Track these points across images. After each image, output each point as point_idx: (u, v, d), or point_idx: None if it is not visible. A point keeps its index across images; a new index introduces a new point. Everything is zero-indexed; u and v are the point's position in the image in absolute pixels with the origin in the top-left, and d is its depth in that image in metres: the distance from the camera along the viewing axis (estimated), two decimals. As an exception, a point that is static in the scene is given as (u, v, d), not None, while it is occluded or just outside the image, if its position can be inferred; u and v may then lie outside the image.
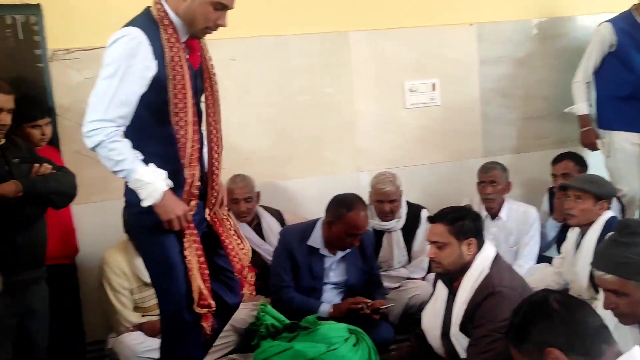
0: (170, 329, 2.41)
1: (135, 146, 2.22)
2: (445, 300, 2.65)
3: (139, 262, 3.11)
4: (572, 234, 3.26)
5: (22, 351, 2.75)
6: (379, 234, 3.75)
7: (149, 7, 2.35)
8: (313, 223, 3.33)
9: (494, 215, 3.82)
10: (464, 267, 2.54)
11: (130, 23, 2.25)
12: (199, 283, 2.29)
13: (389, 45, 4.15)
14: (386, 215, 3.74)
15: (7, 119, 2.61)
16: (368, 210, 3.77)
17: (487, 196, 3.77)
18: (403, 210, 3.79)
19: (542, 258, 3.84)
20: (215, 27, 2.34)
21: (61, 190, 2.75)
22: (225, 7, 2.31)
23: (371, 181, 3.83)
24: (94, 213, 3.68)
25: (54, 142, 3.55)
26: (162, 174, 2.22)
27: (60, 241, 3.36)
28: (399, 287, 3.65)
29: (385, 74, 4.17)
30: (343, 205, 3.18)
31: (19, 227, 2.62)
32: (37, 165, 2.74)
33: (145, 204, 2.19)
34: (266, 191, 3.87)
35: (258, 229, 3.76)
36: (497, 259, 2.58)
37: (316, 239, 3.26)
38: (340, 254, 3.29)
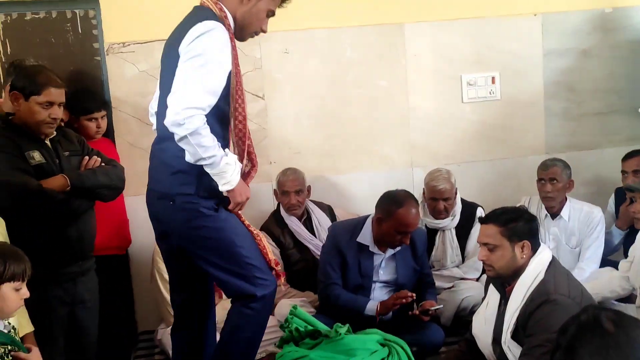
0: (242, 305, 2.47)
1: None
2: (497, 305, 2.52)
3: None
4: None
5: (74, 341, 2.79)
6: (432, 232, 3.64)
7: (205, 5, 2.40)
8: (363, 219, 3.26)
9: (554, 214, 3.64)
10: (518, 271, 2.41)
11: (209, 17, 2.33)
12: (266, 245, 2.53)
13: (447, 37, 4.01)
14: (440, 214, 3.62)
15: (59, 112, 2.64)
16: (421, 208, 3.67)
17: (547, 194, 3.59)
18: (457, 209, 3.67)
19: (607, 262, 3.63)
20: (259, 32, 2.52)
21: (109, 184, 2.77)
22: (273, 14, 2.50)
23: (425, 178, 3.72)
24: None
25: (109, 134, 3.62)
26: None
27: (113, 232, 3.43)
28: (451, 287, 3.55)
29: (442, 66, 4.04)
30: (394, 202, 3.09)
31: (67, 220, 2.65)
32: (86, 158, 2.78)
33: (224, 188, 2.36)
34: (317, 186, 3.83)
35: (308, 223, 3.73)
36: (554, 263, 2.43)
37: (366, 236, 3.18)
38: (390, 251, 3.20)
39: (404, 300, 3.04)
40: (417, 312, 3.07)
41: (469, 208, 3.68)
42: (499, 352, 2.47)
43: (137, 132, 3.71)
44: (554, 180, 3.56)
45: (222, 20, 2.35)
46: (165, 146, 2.44)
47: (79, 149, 2.80)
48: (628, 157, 3.73)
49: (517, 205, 3.69)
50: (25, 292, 2.06)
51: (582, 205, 3.65)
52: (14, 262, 1.99)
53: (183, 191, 2.39)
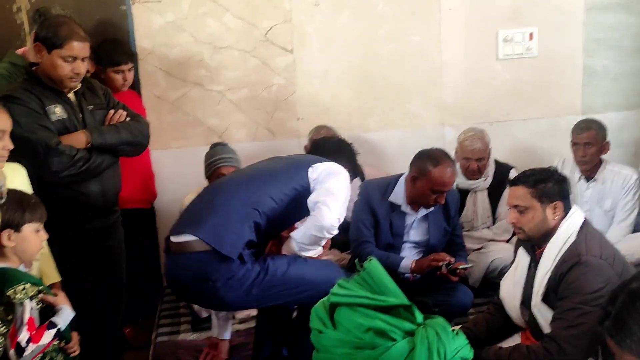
0: None
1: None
2: (527, 268, 2.45)
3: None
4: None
5: (106, 286, 2.82)
6: (464, 192, 3.56)
7: None
8: (396, 178, 3.17)
9: (589, 177, 3.53)
10: (549, 234, 2.33)
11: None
12: None
13: (483, -10, 3.85)
14: (473, 174, 3.54)
15: (82, 67, 2.57)
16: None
17: (581, 158, 3.48)
18: (490, 169, 3.58)
19: (640, 225, 3.55)
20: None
21: (132, 141, 2.73)
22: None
23: (458, 137, 3.62)
24: (173, 159, 3.70)
25: (135, 86, 3.57)
26: None
27: (138, 186, 3.42)
28: (480, 249, 3.49)
29: (477, 21, 3.89)
30: (429, 160, 3.00)
31: (91, 176, 2.62)
32: (111, 112, 2.73)
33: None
34: (346, 143, 3.75)
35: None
36: (586, 225, 2.34)
37: (398, 196, 3.11)
38: (422, 212, 3.12)
39: (440, 263, 2.99)
40: (446, 272, 3.02)
41: (502, 169, 3.58)
42: (528, 316, 2.41)
43: (164, 85, 3.65)
44: (588, 144, 3.45)
45: None
46: None
47: (104, 102, 2.75)
48: None
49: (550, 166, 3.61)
50: (44, 234, 2.13)
51: (619, 168, 3.55)
52: (30, 207, 2.08)
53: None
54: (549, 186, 2.32)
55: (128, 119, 2.76)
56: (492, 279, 3.34)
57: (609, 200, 3.53)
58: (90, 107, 2.68)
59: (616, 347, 1.45)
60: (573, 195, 3.48)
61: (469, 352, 1.37)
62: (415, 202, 3.08)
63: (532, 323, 2.40)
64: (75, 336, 2.19)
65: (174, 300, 3.51)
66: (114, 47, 3.36)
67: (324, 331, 1.40)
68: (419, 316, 1.41)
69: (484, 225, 3.58)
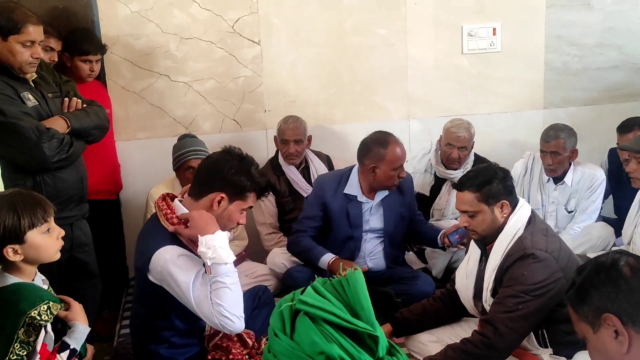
0: None
1: None
2: (478, 261, 2.51)
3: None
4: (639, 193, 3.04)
5: (82, 281, 2.79)
6: (440, 181, 3.65)
7: None
8: (349, 170, 3.21)
9: (558, 178, 3.54)
10: (499, 230, 2.39)
11: None
12: None
13: (448, -15, 3.90)
14: (453, 163, 3.60)
15: (40, 51, 2.54)
16: (433, 156, 3.69)
17: (548, 167, 3.49)
18: (470, 161, 3.65)
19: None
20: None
21: (99, 125, 2.72)
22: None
23: (445, 124, 3.67)
24: (139, 150, 3.68)
25: (101, 77, 3.53)
26: None
27: (104, 177, 3.39)
28: (445, 240, 3.54)
29: (442, 16, 3.94)
30: (378, 145, 3.05)
31: (71, 162, 2.60)
32: (66, 99, 2.70)
33: None
34: (314, 135, 3.77)
35: (306, 173, 3.68)
36: (533, 219, 2.40)
37: (353, 186, 3.14)
38: (378, 197, 3.14)
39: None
40: (447, 240, 3.13)
41: (480, 163, 3.63)
42: (481, 308, 2.47)
43: (129, 76, 3.62)
44: (555, 153, 3.43)
45: None
46: None
47: (57, 90, 2.73)
48: (624, 130, 3.57)
49: (520, 160, 3.68)
50: (59, 231, 1.91)
51: (588, 169, 3.54)
52: (27, 210, 1.82)
53: None
54: (493, 187, 2.36)
55: (85, 105, 2.74)
56: (454, 270, 3.39)
57: (574, 200, 3.56)
58: (50, 94, 2.66)
59: (574, 316, 1.50)
60: (540, 195, 3.58)
61: None
62: (382, 187, 3.11)
63: (485, 314, 2.43)
64: (90, 350, 2.01)
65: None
66: (84, 37, 3.32)
67: (280, 336, 1.37)
68: (382, 350, 1.39)
69: (453, 216, 3.64)
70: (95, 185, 3.15)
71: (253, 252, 3.60)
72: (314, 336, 1.34)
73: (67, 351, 1.79)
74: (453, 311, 2.64)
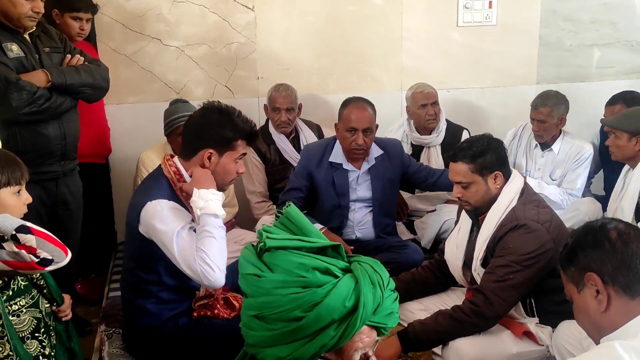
0: None
1: None
2: (469, 231, 2.52)
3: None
4: (624, 169, 3.07)
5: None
6: (418, 149, 3.65)
7: None
8: (333, 138, 3.19)
9: (545, 145, 3.59)
10: (492, 201, 2.40)
11: None
12: None
13: (445, -44, 3.86)
14: (432, 120, 3.60)
15: (41, 6, 2.52)
16: (406, 125, 3.68)
17: (535, 132, 3.54)
18: (442, 125, 3.67)
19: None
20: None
21: (93, 84, 2.69)
22: None
23: (407, 92, 3.69)
24: (129, 114, 3.64)
25: (91, 39, 3.47)
26: None
27: (93, 140, 3.34)
28: (433, 210, 3.55)
29: (439, -13, 3.91)
30: (342, 106, 3.10)
31: (50, 118, 2.57)
32: (68, 56, 2.67)
33: None
34: (305, 104, 3.75)
35: (296, 141, 3.67)
36: (525, 190, 2.41)
37: (337, 154, 3.13)
38: (365, 166, 3.14)
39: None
40: None
41: (455, 128, 3.69)
42: (470, 277, 2.49)
43: (120, 38, 3.57)
44: (542, 121, 3.48)
45: None
46: None
47: (61, 47, 2.69)
48: (610, 103, 3.61)
49: (513, 130, 3.71)
50: (27, 197, 1.95)
51: (577, 141, 3.58)
52: (8, 167, 1.88)
53: None
54: (487, 158, 2.36)
55: (87, 63, 2.71)
56: (443, 240, 3.41)
57: (559, 170, 3.60)
58: (47, 49, 2.62)
59: (564, 276, 1.53)
60: (525, 161, 3.62)
61: (392, 282, 1.44)
62: (345, 153, 3.10)
63: (474, 284, 2.46)
64: (67, 299, 2.07)
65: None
66: None
67: (262, 275, 1.39)
68: (344, 255, 1.46)
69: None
70: (84, 149, 3.11)
71: (242, 219, 3.60)
72: (297, 259, 1.39)
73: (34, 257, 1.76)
74: (441, 281, 2.66)
